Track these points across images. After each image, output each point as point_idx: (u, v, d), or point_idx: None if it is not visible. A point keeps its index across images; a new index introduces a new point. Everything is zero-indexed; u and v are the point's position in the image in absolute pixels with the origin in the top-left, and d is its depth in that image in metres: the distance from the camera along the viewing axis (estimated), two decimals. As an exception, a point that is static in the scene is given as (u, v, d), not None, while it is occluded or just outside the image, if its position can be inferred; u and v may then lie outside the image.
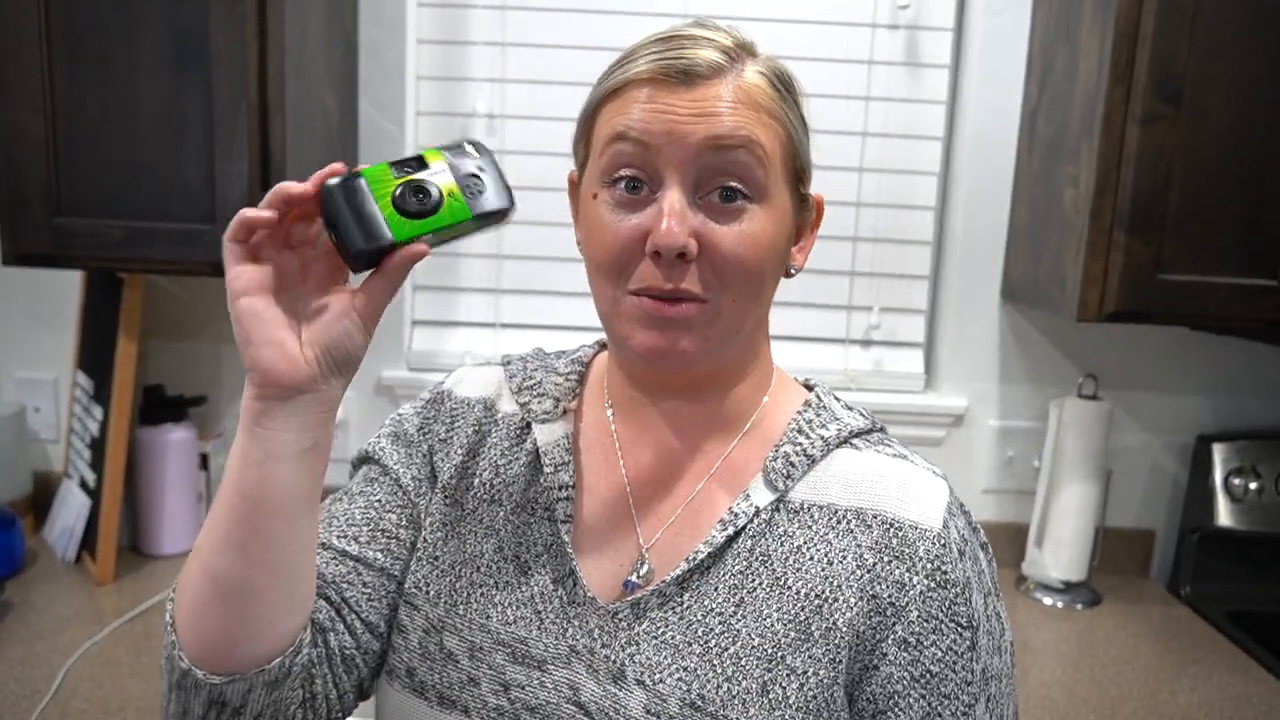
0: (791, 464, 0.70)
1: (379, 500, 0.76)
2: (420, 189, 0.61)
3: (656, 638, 0.67)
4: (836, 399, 0.77)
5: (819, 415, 0.74)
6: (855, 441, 0.73)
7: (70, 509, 1.52)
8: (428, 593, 0.73)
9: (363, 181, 0.60)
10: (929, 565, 0.66)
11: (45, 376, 1.66)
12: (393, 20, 1.58)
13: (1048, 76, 1.48)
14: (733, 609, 0.67)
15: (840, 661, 0.66)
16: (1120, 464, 1.66)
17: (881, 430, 0.76)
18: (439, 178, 0.62)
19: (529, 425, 0.77)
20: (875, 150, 1.63)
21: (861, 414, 0.76)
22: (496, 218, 0.64)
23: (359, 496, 0.77)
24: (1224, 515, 1.56)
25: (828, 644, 0.66)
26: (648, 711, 0.65)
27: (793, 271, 0.72)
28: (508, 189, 0.65)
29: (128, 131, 1.29)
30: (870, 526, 0.68)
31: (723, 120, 0.64)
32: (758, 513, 0.69)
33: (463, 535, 0.74)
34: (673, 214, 0.63)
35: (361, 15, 1.58)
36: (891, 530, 0.67)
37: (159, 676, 0.68)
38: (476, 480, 0.75)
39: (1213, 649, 1.42)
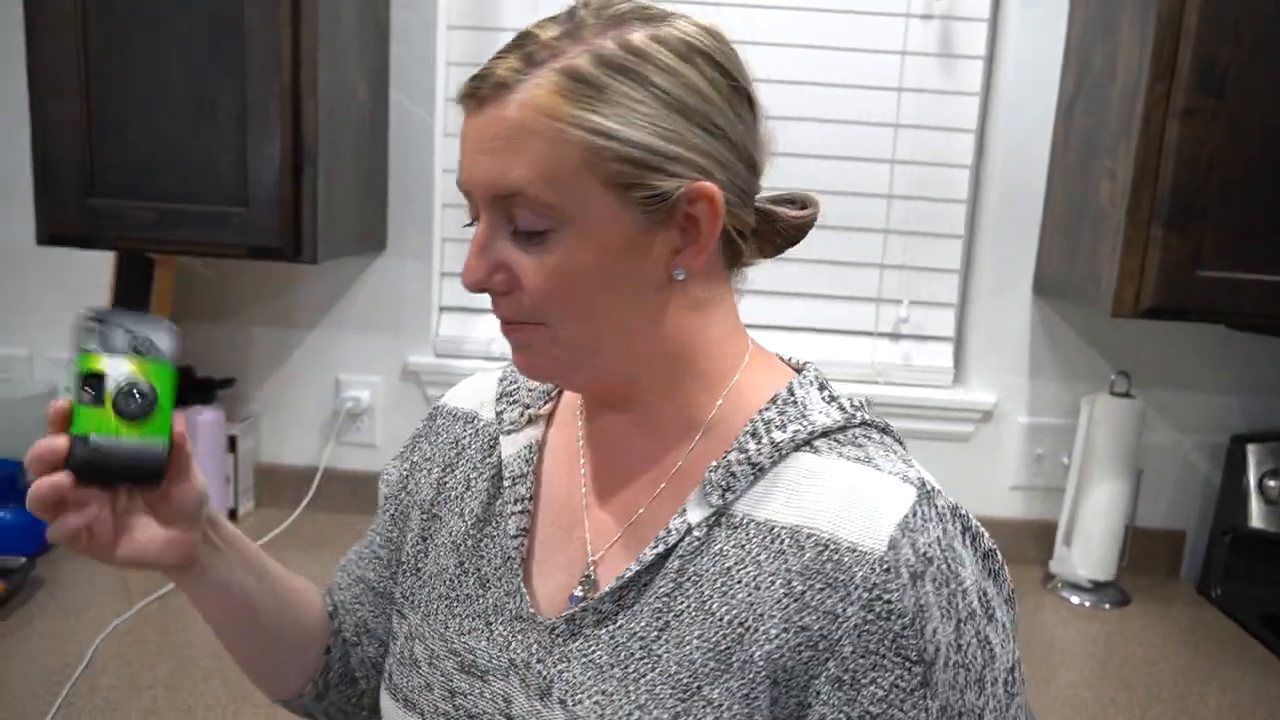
0: (733, 474, 0.64)
1: (379, 526, 0.84)
2: (129, 393, 0.63)
3: (586, 657, 0.66)
4: (820, 388, 0.69)
5: (783, 413, 0.66)
6: (817, 443, 0.65)
7: (100, 488, 1.53)
8: (413, 602, 0.77)
9: (93, 437, 0.62)
10: (866, 594, 0.58)
11: (76, 357, 1.67)
12: (424, 5, 1.58)
13: (1085, 68, 1.46)
14: (655, 633, 0.64)
15: (757, 698, 0.60)
16: (1151, 463, 1.63)
17: (865, 425, 0.67)
18: (122, 368, 0.63)
19: None
20: (908, 142, 1.61)
21: (843, 407, 0.68)
22: (176, 345, 0.66)
23: (374, 523, 0.85)
24: (1257, 517, 1.53)
25: (743, 677, 0.60)
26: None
27: (678, 276, 0.64)
28: (150, 317, 0.66)
29: (161, 114, 1.30)
30: (803, 548, 0.61)
31: (486, 166, 0.61)
32: (689, 530, 0.64)
33: (437, 548, 0.76)
34: (472, 251, 0.64)
35: (393, 0, 1.58)
36: (825, 553, 0.60)
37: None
38: (451, 494, 0.78)
39: (1244, 652, 1.40)
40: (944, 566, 0.60)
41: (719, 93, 0.63)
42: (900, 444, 0.69)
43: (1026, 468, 1.65)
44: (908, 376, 1.66)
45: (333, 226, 1.39)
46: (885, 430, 0.69)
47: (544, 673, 0.67)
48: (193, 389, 1.56)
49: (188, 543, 0.68)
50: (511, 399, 0.79)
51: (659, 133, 0.60)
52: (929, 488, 0.63)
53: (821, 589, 0.59)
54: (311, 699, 0.82)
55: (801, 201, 0.73)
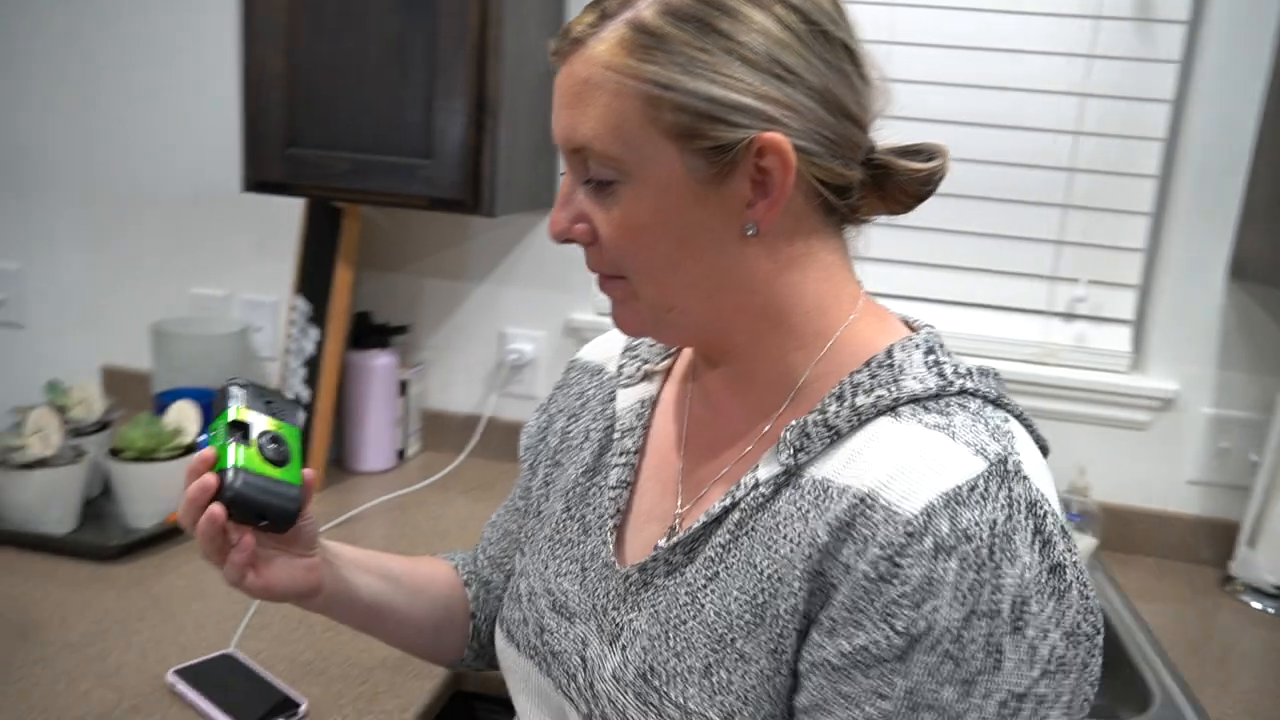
0: (807, 435, 0.63)
1: (519, 479, 0.89)
2: (272, 439, 0.72)
3: (654, 606, 0.67)
4: (928, 352, 0.65)
5: (874, 377, 0.63)
6: (902, 409, 0.62)
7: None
8: (530, 542, 0.81)
9: (241, 471, 0.69)
10: (879, 552, 0.56)
11: (267, 300, 1.79)
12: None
13: (1306, 34, 1.35)
14: (704, 582, 0.64)
15: (785, 652, 0.59)
16: (1352, 466, 1.51)
17: (965, 393, 0.63)
18: (263, 421, 0.73)
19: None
20: (1095, 112, 1.53)
21: (942, 373, 0.63)
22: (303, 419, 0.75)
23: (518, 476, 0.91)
24: None
25: (772, 631, 0.60)
26: (614, 676, 0.67)
27: (748, 231, 0.62)
28: (282, 395, 0.78)
29: (357, 68, 1.37)
30: (841, 501, 0.59)
31: (564, 121, 0.63)
32: (756, 486, 0.64)
33: (554, 494, 0.80)
34: (556, 203, 0.66)
35: (574, -38, 1.61)
36: (860, 507, 0.58)
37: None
38: (572, 443, 0.81)
39: None
40: (984, 552, 0.55)
41: (795, 37, 0.60)
42: (1019, 419, 0.64)
43: (1208, 462, 1.56)
44: (1080, 359, 1.59)
45: (509, 182, 1.44)
46: (996, 402, 0.64)
47: (617, 619, 0.69)
48: (369, 333, 1.65)
49: (317, 567, 0.75)
50: (633, 354, 0.80)
51: (721, 81, 0.59)
52: (1011, 469, 0.57)
53: (844, 540, 0.58)
54: (473, 658, 0.90)
55: (928, 153, 0.68)
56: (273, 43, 1.38)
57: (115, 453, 1.34)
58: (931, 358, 0.65)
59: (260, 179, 1.43)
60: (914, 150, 0.68)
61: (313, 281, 1.63)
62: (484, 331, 1.74)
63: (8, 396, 1.71)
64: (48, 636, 1.12)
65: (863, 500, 0.58)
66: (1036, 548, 0.56)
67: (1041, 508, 0.57)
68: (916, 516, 0.55)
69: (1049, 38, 1.52)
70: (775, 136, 0.59)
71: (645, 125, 0.60)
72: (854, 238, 0.69)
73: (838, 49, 0.62)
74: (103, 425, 1.46)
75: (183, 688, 1.02)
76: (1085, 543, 1.47)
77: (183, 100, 1.74)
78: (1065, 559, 0.57)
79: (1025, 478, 0.58)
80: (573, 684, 0.70)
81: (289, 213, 1.72)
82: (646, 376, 0.78)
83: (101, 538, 1.31)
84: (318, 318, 1.59)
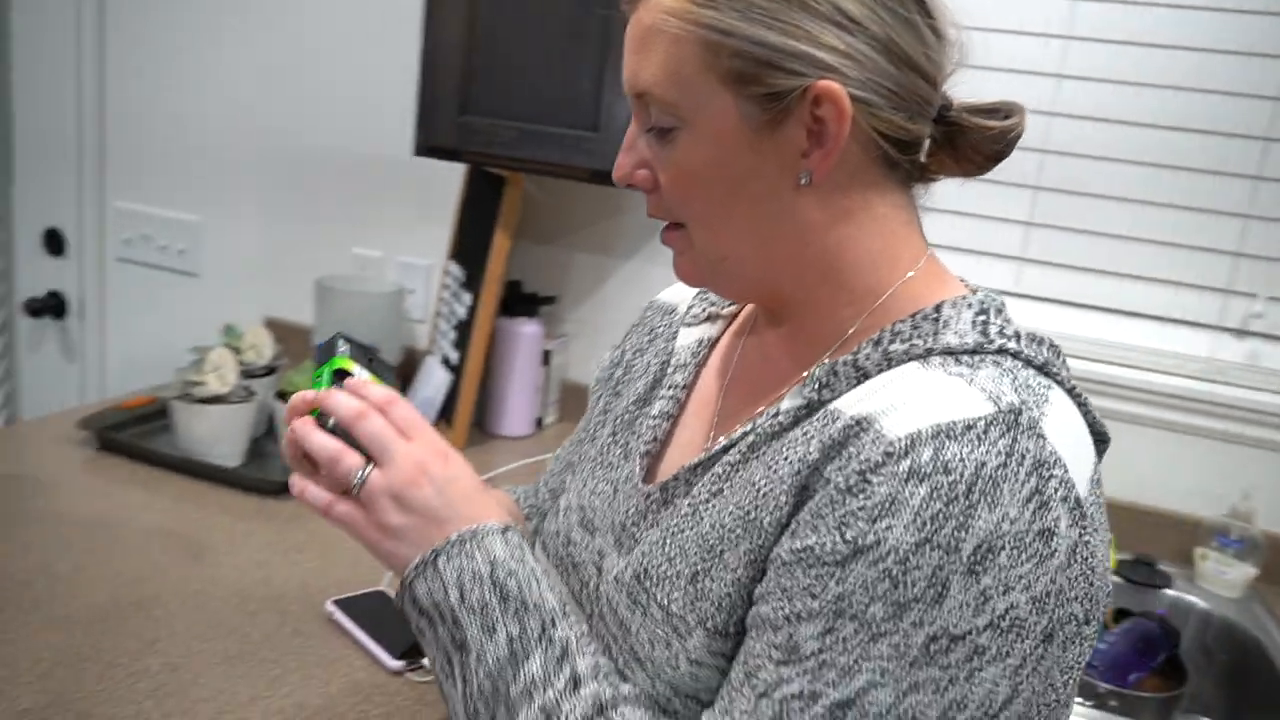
0: (835, 373, 0.63)
1: (587, 411, 0.90)
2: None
3: (668, 523, 0.68)
4: (980, 313, 0.63)
5: (916, 328, 0.63)
6: (933, 359, 0.61)
7: (432, 382, 1.71)
8: (580, 464, 0.84)
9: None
10: (853, 467, 0.55)
11: (422, 263, 1.86)
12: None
13: None
14: (706, 498, 0.65)
15: (761, 562, 0.60)
16: None
17: (1003, 352, 0.61)
18: (363, 375, 0.73)
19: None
20: (1291, 118, 1.45)
21: (985, 332, 0.62)
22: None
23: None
24: None
25: (754, 541, 0.60)
26: (615, 578, 0.69)
27: (801, 181, 0.62)
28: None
29: (534, 39, 1.41)
30: (838, 423, 0.58)
31: (630, 67, 0.65)
32: (775, 415, 0.64)
33: (608, 420, 0.83)
34: (622, 148, 0.68)
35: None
36: (854, 429, 0.57)
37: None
38: (633, 375, 0.84)
39: None
40: (960, 488, 0.53)
41: None
42: (1070, 394, 0.62)
43: (1388, 498, 1.45)
44: (1251, 379, 1.50)
45: (669, 159, 1.45)
46: (1042, 369, 0.62)
47: (636, 535, 0.71)
48: (518, 302, 1.69)
49: None
50: (704, 296, 0.83)
51: (779, 28, 0.59)
52: (1024, 423, 0.55)
53: (832, 459, 0.57)
54: None
55: (1005, 111, 0.66)
56: (454, 11, 1.42)
57: (281, 395, 1.42)
58: (981, 318, 0.63)
59: (432, 144, 1.48)
60: (991, 109, 0.67)
61: (468, 248, 1.68)
62: (627, 308, 1.76)
63: (184, 338, 1.83)
64: (219, 559, 1.19)
65: (859, 423, 0.58)
66: (1029, 506, 0.54)
67: (1050, 471, 0.55)
68: (900, 439, 0.55)
69: (1240, 36, 1.44)
70: (831, 85, 0.59)
71: (703, 71, 0.61)
72: (922, 196, 0.69)
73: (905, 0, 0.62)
74: (270, 370, 1.55)
75: (340, 616, 1.07)
76: (1243, 571, 1.40)
77: (361, 65, 1.82)
78: (1058, 527, 0.54)
79: (1040, 436, 0.56)
80: (584, 590, 0.73)
81: (448, 180, 1.78)
82: (710, 319, 0.80)
83: (265, 474, 1.38)
84: (471, 283, 1.64)
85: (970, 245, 1.59)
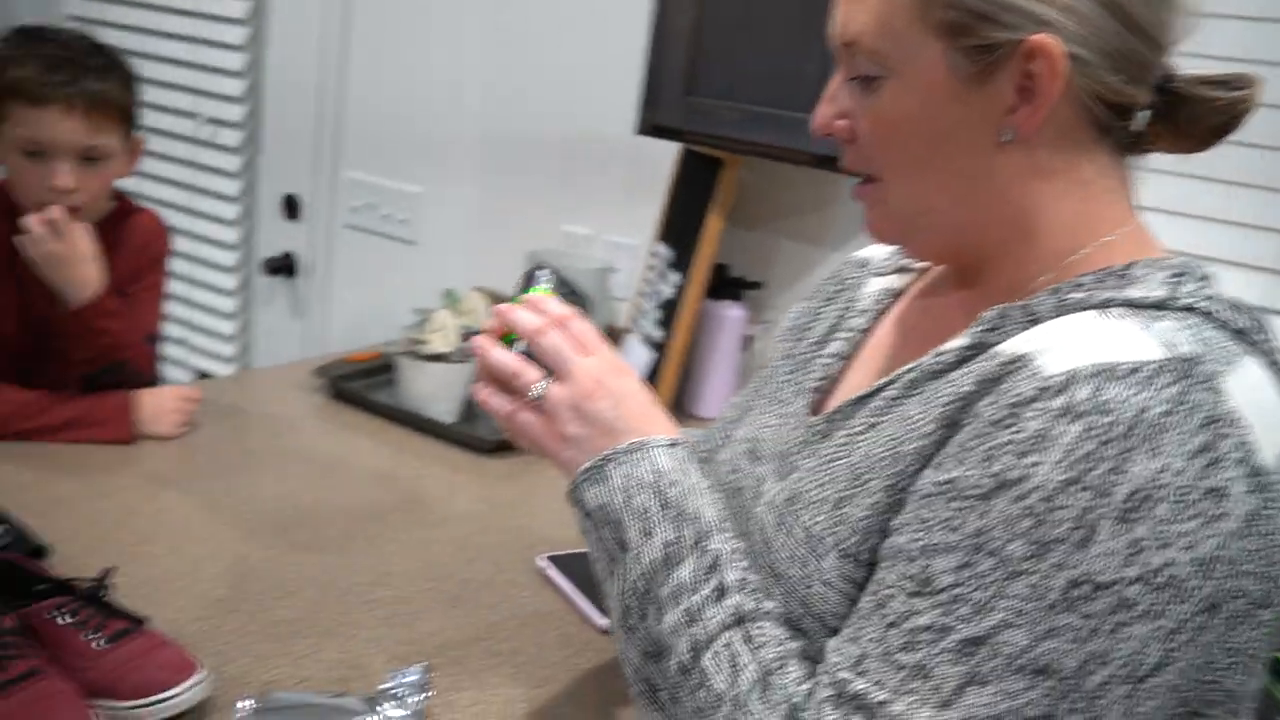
0: (1004, 316, 0.63)
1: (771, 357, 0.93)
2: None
3: (828, 453, 0.69)
4: (1173, 275, 0.60)
5: (1100, 281, 0.61)
6: (1114, 309, 0.58)
7: (632, 359, 1.74)
8: (757, 401, 0.86)
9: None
10: (1007, 401, 0.54)
11: (629, 242, 1.90)
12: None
13: None
14: (862, 430, 0.66)
15: (899, 490, 0.60)
16: None
17: (1189, 310, 0.57)
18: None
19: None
20: None
21: (1176, 292, 0.58)
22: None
23: None
24: None
25: (895, 468, 0.61)
26: (768, 502, 0.71)
27: (1004, 138, 0.61)
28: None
29: (763, 22, 1.40)
30: (997, 360, 0.58)
31: (840, 15, 0.65)
32: (939, 355, 0.65)
33: (787, 361, 0.85)
34: (822, 100, 0.68)
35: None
36: (1012, 365, 0.56)
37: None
38: (818, 320, 0.86)
39: None
40: (1118, 430, 0.51)
41: None
42: (1263, 358, 0.57)
43: None
44: None
45: (894, 147, 1.42)
46: (1241, 335, 0.58)
47: (795, 463, 0.72)
48: (724, 285, 1.70)
49: None
50: (898, 250, 0.83)
51: None
52: (1198, 375, 0.52)
53: (986, 393, 0.57)
54: None
55: (1236, 83, 0.62)
56: (687, -5, 1.44)
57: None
58: (1176, 279, 0.60)
59: (656, 124, 1.50)
60: (1220, 80, 0.63)
61: (678, 229, 1.70)
62: (832, 298, 1.74)
63: (398, 302, 1.94)
64: (438, 507, 1.26)
65: (1017, 359, 0.57)
66: (1197, 461, 0.51)
67: (1226, 429, 0.51)
68: (1056, 376, 0.53)
69: None
70: (1047, 40, 0.57)
71: (914, 21, 0.60)
72: (1135, 167, 0.66)
73: None
74: (485, 335, 1.61)
75: (552, 572, 1.11)
76: None
77: (586, 45, 1.87)
78: (1231, 489, 0.51)
79: (1215, 391, 0.52)
80: (741, 514, 0.74)
81: (659, 161, 1.80)
82: (900, 270, 0.81)
83: (479, 432, 1.45)
84: (679, 264, 1.66)
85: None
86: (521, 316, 0.72)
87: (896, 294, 0.80)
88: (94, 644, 0.81)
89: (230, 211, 2.35)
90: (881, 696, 0.54)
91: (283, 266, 2.32)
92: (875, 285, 0.82)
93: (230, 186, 2.33)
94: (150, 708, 0.78)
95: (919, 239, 0.70)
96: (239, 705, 0.80)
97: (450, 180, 2.08)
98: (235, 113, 2.28)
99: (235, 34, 2.23)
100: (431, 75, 2.06)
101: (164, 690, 0.78)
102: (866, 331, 0.78)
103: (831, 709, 0.56)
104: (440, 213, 2.11)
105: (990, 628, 0.52)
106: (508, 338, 0.73)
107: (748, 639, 0.61)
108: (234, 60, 2.25)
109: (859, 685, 0.55)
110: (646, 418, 0.69)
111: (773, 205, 1.76)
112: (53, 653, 0.79)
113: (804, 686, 0.59)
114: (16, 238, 1.24)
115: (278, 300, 2.39)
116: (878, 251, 0.87)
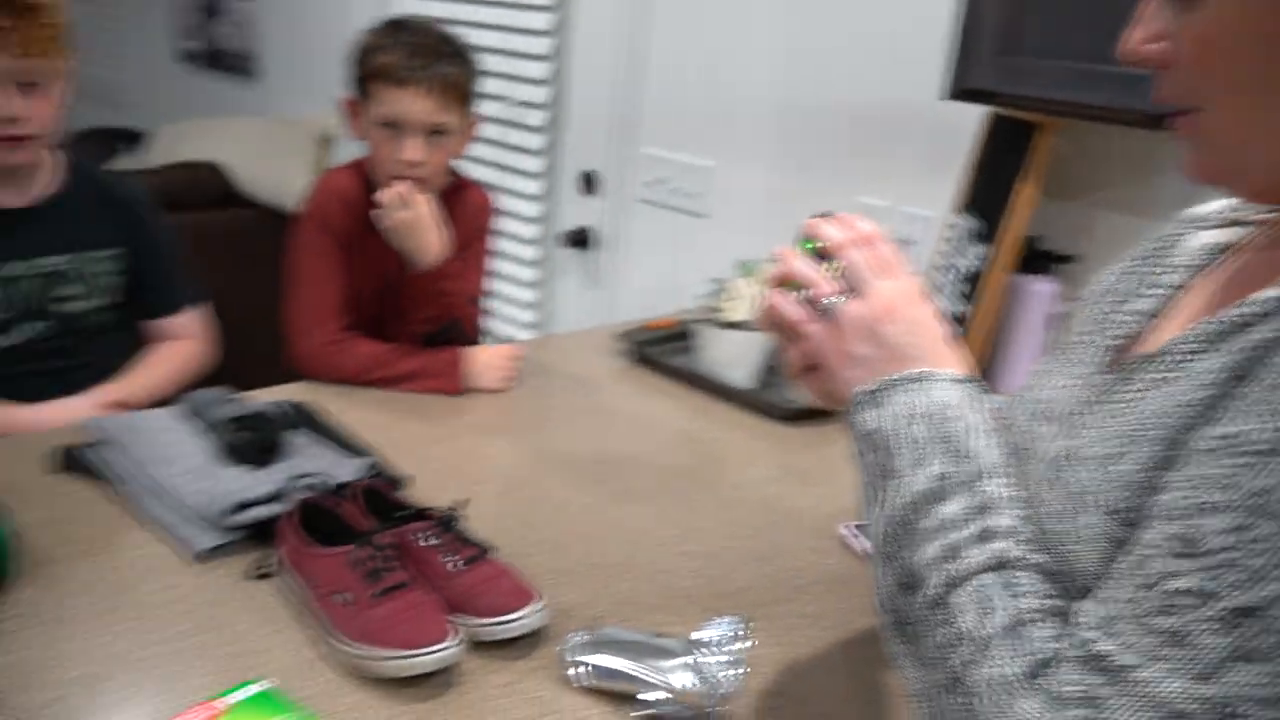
0: None
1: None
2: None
3: (1109, 407, 0.65)
4: None
5: None
6: None
7: (927, 333, 1.68)
8: (1053, 361, 0.82)
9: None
10: None
11: (926, 214, 1.84)
12: None
13: None
14: (1149, 386, 0.62)
15: (1160, 442, 0.57)
16: None
17: None
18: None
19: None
20: None
21: None
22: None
23: None
24: None
25: (1173, 421, 0.57)
26: (1042, 456, 0.67)
27: None
28: None
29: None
30: None
31: None
32: (1247, 304, 0.59)
33: (1088, 320, 0.79)
34: (1132, 23, 0.61)
35: None
36: None
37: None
38: (1126, 279, 0.78)
39: None
40: None
41: None
42: None
43: None
44: None
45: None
46: None
47: (1078, 421, 0.68)
48: (1034, 258, 1.60)
49: None
50: (1235, 205, 0.76)
51: None
52: None
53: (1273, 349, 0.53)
54: None
55: None
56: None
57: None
58: None
59: (967, 86, 1.44)
60: None
61: (983, 199, 1.63)
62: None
63: (688, 274, 1.99)
64: (738, 471, 1.29)
65: None
66: None
67: None
68: None
69: None
70: None
71: None
72: None
73: None
74: (780, 305, 1.63)
75: (854, 541, 1.10)
76: None
77: (885, 8, 1.82)
78: None
79: None
80: (1025, 474, 0.70)
81: (960, 129, 1.73)
82: (1234, 224, 0.73)
83: (776, 400, 1.47)
84: (985, 235, 1.58)
85: None
86: (828, 229, 0.72)
87: (1224, 249, 0.73)
88: (450, 565, 0.90)
89: (533, 187, 2.51)
90: (1128, 660, 0.51)
91: (579, 239, 2.45)
92: (1199, 240, 0.75)
93: (534, 164, 2.50)
94: (499, 627, 0.86)
95: (1247, 177, 0.62)
96: (571, 635, 0.86)
97: (743, 153, 2.11)
98: (540, 94, 2.43)
99: (541, 19, 2.38)
100: (726, 49, 2.09)
101: (510, 612, 0.87)
102: (1181, 289, 0.72)
103: (1071, 670, 0.53)
104: (732, 186, 2.14)
105: (1265, 598, 0.47)
106: (791, 284, 0.73)
107: (1006, 585, 0.59)
108: (540, 45, 2.40)
109: (1105, 646, 0.53)
110: (937, 351, 0.68)
111: (1090, 172, 1.63)
112: (417, 569, 0.89)
113: (1054, 645, 0.56)
114: (373, 211, 1.40)
115: (573, 271, 2.53)
116: (1212, 206, 0.80)
